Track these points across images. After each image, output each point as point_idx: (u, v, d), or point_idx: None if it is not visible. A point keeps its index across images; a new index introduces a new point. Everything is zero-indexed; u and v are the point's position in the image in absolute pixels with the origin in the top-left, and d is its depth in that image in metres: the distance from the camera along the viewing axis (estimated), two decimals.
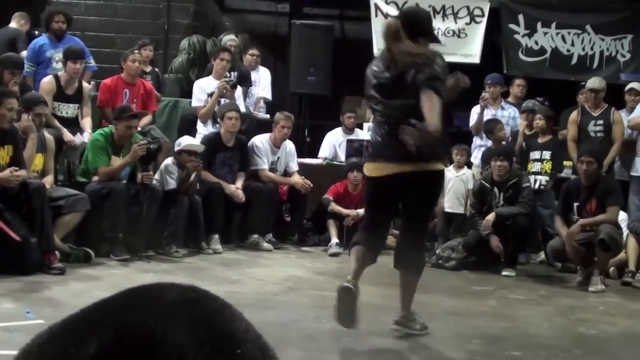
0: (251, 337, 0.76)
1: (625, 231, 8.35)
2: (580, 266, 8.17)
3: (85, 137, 8.69)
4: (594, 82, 9.80)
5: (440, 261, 8.58)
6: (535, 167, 9.44)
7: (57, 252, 7.19)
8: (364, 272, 5.57)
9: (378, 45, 11.56)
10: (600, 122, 9.66)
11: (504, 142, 9.59)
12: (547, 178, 9.39)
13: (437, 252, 8.74)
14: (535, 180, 9.23)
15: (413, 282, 5.57)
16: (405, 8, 5.88)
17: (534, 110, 9.71)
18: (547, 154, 9.43)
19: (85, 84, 9.18)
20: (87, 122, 9.02)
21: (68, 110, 8.92)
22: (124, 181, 8.15)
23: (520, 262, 8.79)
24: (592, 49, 11.61)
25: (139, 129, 8.56)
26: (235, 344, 0.73)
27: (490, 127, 9.67)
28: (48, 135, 7.95)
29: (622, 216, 8.55)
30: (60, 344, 0.71)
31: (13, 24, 10.50)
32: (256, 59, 11.01)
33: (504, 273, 8.34)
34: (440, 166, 5.40)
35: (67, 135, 8.64)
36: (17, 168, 7.07)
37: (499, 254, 8.51)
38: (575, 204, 8.18)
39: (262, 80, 10.93)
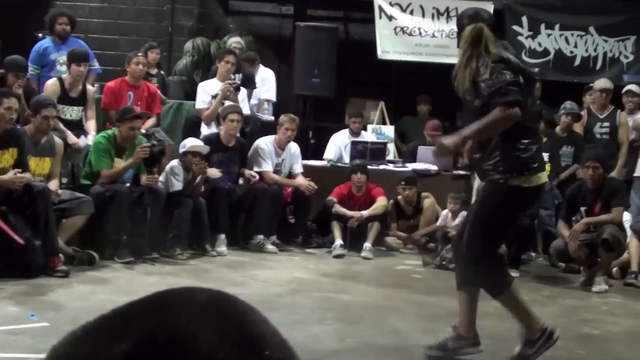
0: (278, 340, 0.78)
1: (628, 232, 8.36)
2: (584, 266, 8.18)
3: (90, 139, 8.70)
4: (605, 82, 9.82)
5: (444, 262, 8.58)
6: None
7: (61, 255, 7.21)
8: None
9: (382, 47, 11.61)
10: (607, 124, 9.66)
11: None
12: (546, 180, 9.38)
13: (441, 253, 8.74)
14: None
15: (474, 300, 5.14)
16: (474, 10, 5.17)
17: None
18: (545, 156, 9.41)
19: (89, 87, 9.19)
20: (91, 125, 9.03)
21: (72, 112, 8.93)
22: (128, 184, 8.17)
23: (523, 261, 8.79)
24: (595, 50, 11.61)
25: (142, 131, 8.58)
26: (263, 345, 0.76)
27: None
28: (57, 140, 7.95)
29: (626, 217, 8.55)
30: (94, 341, 0.74)
31: None
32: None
33: None
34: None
35: (71, 137, 8.65)
36: (20, 170, 7.09)
37: (502, 254, 8.49)
38: (583, 208, 8.18)
39: (267, 82, 10.93)
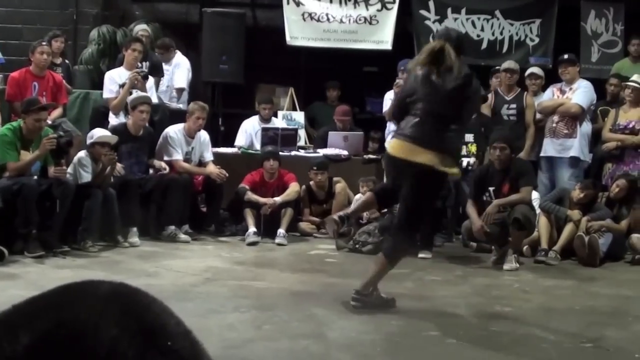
0: (181, 330, 0.79)
1: (537, 211, 8.56)
2: (495, 245, 8.34)
3: None
4: (510, 63, 10.03)
5: (357, 245, 8.65)
6: (462, 149, 9.56)
7: None
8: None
9: (290, 33, 11.59)
10: (513, 105, 9.85)
11: None
12: (474, 159, 9.51)
13: (354, 237, 8.80)
14: (462, 162, 9.31)
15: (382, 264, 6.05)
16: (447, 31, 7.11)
17: None
18: (470, 137, 9.54)
19: None
20: None
21: None
22: (35, 176, 8.00)
23: (436, 245, 8.92)
24: (501, 33, 11.81)
25: (49, 122, 8.40)
26: (165, 336, 0.76)
27: None
28: None
29: (535, 196, 8.74)
30: None
31: None
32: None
33: (420, 255, 8.44)
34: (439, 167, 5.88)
35: None
36: None
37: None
38: (491, 188, 8.33)
39: (178, 70, 10.80)
